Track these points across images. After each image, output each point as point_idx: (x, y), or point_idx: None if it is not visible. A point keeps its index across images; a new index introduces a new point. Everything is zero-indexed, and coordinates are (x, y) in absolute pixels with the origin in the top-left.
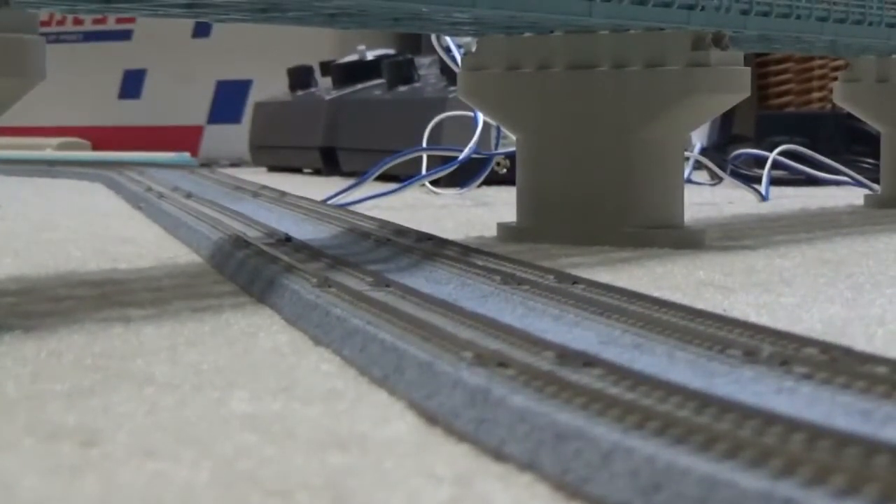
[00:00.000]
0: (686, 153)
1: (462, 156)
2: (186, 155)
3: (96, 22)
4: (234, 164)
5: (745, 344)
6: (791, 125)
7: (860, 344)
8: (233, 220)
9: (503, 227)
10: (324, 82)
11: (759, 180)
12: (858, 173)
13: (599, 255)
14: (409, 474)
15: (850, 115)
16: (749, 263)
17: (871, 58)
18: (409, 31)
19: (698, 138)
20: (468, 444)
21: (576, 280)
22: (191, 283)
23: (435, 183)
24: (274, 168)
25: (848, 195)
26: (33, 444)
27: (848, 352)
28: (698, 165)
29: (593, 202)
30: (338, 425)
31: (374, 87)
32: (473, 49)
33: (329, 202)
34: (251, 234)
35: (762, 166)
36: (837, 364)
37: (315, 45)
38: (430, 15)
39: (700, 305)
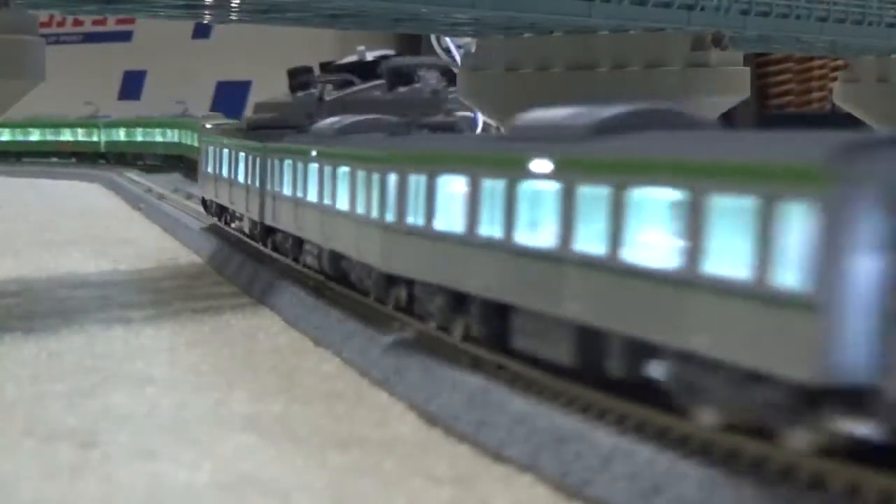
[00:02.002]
0: None
1: None
2: None
3: (96, 23)
4: None
5: None
6: (791, 125)
7: None
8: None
9: None
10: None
11: None
12: None
13: None
14: (409, 475)
15: (849, 115)
16: None
17: (870, 58)
18: (408, 31)
19: None
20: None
21: None
22: (191, 284)
23: None
24: None
25: None
26: (33, 445)
27: None
28: None
29: None
30: (338, 426)
31: (374, 87)
32: (473, 50)
33: None
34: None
35: None
36: None
37: (315, 45)
38: (429, 16)
39: None
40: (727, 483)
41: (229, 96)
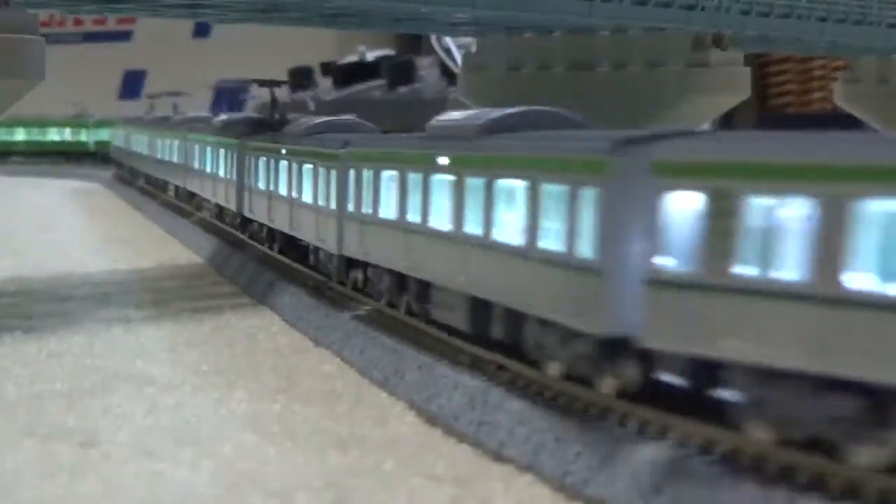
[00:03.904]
0: None
1: None
2: None
3: (96, 23)
4: None
5: None
6: (791, 125)
7: None
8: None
9: None
10: (324, 83)
11: None
12: None
13: None
14: (409, 475)
15: (850, 116)
16: None
17: (871, 59)
18: (409, 31)
19: None
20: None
21: None
22: (191, 284)
23: None
24: None
25: None
26: (33, 445)
27: None
28: None
29: None
30: (338, 426)
31: (374, 87)
32: (473, 49)
33: None
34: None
35: None
36: None
37: (315, 45)
38: (430, 15)
39: None
40: (727, 483)
41: (229, 96)
